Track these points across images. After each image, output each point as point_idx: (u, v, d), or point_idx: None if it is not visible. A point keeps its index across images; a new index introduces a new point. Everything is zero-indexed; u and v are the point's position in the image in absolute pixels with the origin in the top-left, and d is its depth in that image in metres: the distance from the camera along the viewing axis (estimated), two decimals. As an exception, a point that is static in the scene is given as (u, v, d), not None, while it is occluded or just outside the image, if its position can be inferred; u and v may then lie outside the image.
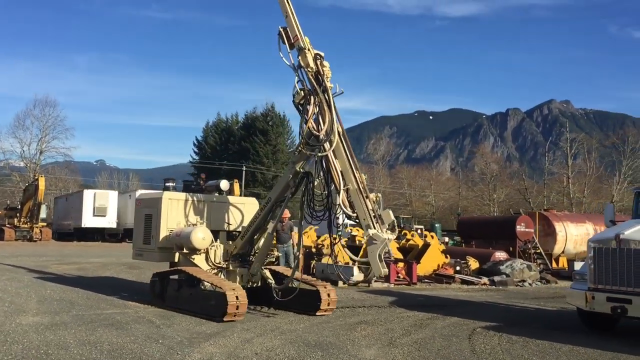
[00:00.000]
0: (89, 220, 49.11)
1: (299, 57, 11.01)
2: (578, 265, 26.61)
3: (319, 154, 10.71)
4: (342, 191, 10.56)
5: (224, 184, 14.02)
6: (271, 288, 11.86)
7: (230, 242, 12.98)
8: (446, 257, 23.64)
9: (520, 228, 26.44)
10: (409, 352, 8.78)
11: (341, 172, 10.74)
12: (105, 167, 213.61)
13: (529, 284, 22.38)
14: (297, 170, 11.30)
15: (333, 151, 10.68)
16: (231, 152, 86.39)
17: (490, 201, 72.98)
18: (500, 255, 24.79)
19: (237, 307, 10.44)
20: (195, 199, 13.40)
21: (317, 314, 11.72)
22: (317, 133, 10.67)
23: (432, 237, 27.08)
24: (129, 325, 10.07)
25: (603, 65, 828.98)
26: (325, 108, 10.79)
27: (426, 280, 21.40)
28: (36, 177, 49.26)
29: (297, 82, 11.06)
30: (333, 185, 10.81)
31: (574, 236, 28.24)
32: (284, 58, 11.26)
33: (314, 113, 10.84)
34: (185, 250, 12.39)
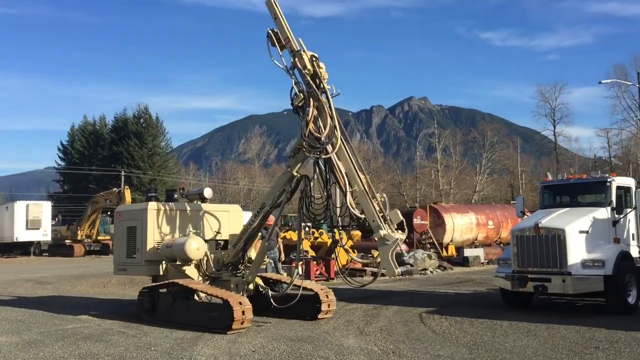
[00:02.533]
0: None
1: (295, 60, 10.73)
2: (467, 252, 29.56)
3: (323, 157, 10.53)
4: (348, 193, 10.45)
5: (208, 192, 13.61)
6: (264, 296, 11.62)
7: (222, 252, 12.74)
8: (354, 252, 25.16)
9: (417, 221, 28.62)
10: (383, 338, 9.90)
11: (346, 173, 10.58)
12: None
13: (431, 271, 24.54)
14: (294, 174, 11.17)
15: (336, 153, 10.57)
16: (101, 156, 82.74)
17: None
18: (401, 246, 26.82)
19: (243, 314, 10.31)
20: (181, 208, 13.08)
21: (319, 317, 11.57)
22: (319, 135, 10.51)
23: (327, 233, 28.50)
24: (106, 337, 10.24)
25: (454, 64, 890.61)
26: (326, 110, 10.65)
27: (340, 276, 22.70)
28: None
29: (295, 85, 10.81)
30: (337, 187, 10.72)
31: (460, 226, 31.03)
32: (275, 61, 11.04)
33: (314, 116, 10.63)
34: (178, 262, 12.15)
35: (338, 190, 10.89)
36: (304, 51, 10.73)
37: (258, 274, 12.21)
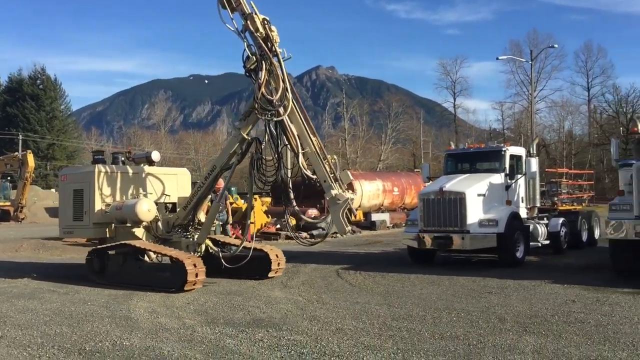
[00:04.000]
0: None
1: (247, 22, 10.65)
2: (374, 217, 31.24)
3: (275, 119, 10.65)
4: (300, 154, 10.65)
5: (156, 155, 13.66)
6: (214, 257, 11.85)
7: (171, 214, 12.84)
8: (268, 217, 26.06)
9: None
10: (305, 290, 10.88)
11: (298, 135, 10.74)
12: None
13: (341, 235, 25.83)
14: (245, 136, 11.30)
15: (288, 116, 10.68)
16: (-7, 119, 77.89)
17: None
18: (313, 212, 28.00)
19: (196, 276, 10.58)
20: (129, 171, 13.08)
21: (269, 275, 12.08)
22: (271, 98, 10.55)
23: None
24: (39, 295, 10.55)
25: (361, 34, 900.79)
26: (278, 73, 10.67)
27: (256, 239, 23.57)
28: None
29: (249, 47, 10.73)
30: (289, 149, 10.93)
31: (368, 192, 32.57)
32: (226, 24, 10.83)
33: (266, 79, 10.63)
34: (128, 224, 12.24)
35: (289, 152, 11.09)
36: (256, 14, 10.70)
37: (207, 236, 12.40)
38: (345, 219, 10.54)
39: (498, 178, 14.36)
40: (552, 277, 11.82)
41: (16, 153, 43.77)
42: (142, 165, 13.59)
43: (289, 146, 10.90)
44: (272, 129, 10.90)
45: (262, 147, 11.13)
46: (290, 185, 11.46)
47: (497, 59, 54.15)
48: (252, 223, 22.94)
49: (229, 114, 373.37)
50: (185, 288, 10.52)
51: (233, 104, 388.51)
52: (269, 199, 36.27)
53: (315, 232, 25.32)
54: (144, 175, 13.25)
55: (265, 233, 24.33)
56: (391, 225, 30.75)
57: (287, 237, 24.13)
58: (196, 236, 12.19)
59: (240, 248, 11.76)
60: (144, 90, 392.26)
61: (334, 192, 10.48)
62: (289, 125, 10.73)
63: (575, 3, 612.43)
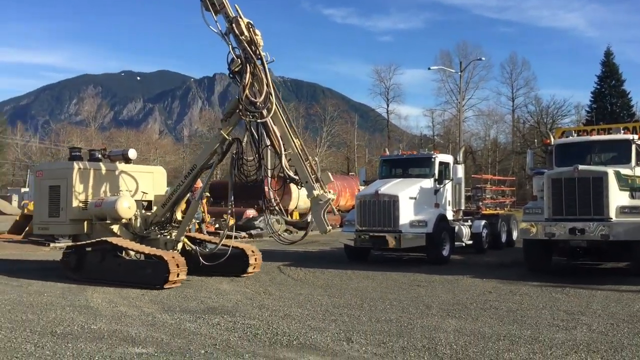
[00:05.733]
0: None
1: (232, 25, 10.88)
2: (309, 217, 32.24)
3: (259, 121, 10.94)
4: (283, 155, 10.92)
5: (132, 153, 13.77)
6: (191, 254, 12.01)
7: (149, 211, 13.01)
8: (208, 216, 26.62)
9: (267, 188, 30.54)
10: (251, 283, 11.72)
11: (281, 137, 10.99)
12: None
13: (280, 234, 26.74)
14: (226, 137, 11.51)
15: (272, 117, 10.95)
16: None
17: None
18: (251, 212, 28.80)
19: (178, 274, 10.80)
20: (106, 168, 13.17)
21: (248, 272, 12.39)
22: (255, 100, 10.84)
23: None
24: (-8, 288, 10.86)
25: (297, 37, 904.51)
26: (262, 76, 10.93)
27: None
28: None
29: (233, 50, 11.00)
30: (273, 150, 11.18)
31: (304, 194, 33.60)
32: (210, 26, 11.10)
33: (250, 81, 10.90)
34: (107, 220, 12.34)
35: (270, 152, 11.37)
36: (240, 18, 10.91)
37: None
38: (326, 219, 10.82)
39: (428, 183, 15.66)
40: (473, 272, 13.17)
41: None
42: (117, 162, 13.66)
43: (271, 147, 11.17)
44: (253, 130, 11.21)
45: (243, 147, 11.39)
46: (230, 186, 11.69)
47: (429, 69, 56.60)
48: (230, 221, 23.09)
49: (161, 112, 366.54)
50: (167, 285, 10.72)
51: (166, 102, 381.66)
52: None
53: (254, 232, 26.16)
54: (120, 172, 13.38)
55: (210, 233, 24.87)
56: (331, 225, 31.84)
57: (228, 237, 24.75)
58: (174, 234, 12.41)
59: (219, 245, 11.98)
60: (72, 84, 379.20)
61: (316, 192, 10.72)
62: (272, 127, 11.00)
63: (503, 16, 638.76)
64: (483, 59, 64.48)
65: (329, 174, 11.78)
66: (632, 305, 9.22)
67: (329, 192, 10.96)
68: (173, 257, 10.98)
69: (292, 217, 33.60)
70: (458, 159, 16.99)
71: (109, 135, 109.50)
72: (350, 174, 46.41)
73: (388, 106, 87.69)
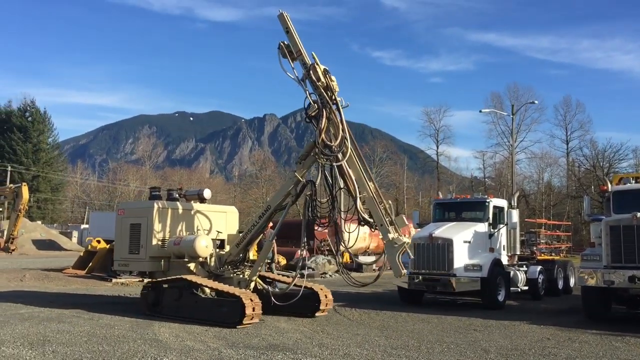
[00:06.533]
0: None
1: (310, 72, 11.31)
2: (361, 259, 32.47)
3: (335, 164, 11.26)
4: (358, 198, 11.18)
5: (207, 193, 14.22)
6: (263, 294, 12.11)
7: (223, 250, 13.33)
8: (281, 258, 27.21)
9: (317, 229, 30.97)
10: (309, 323, 12.00)
11: (356, 180, 11.31)
12: None
13: (330, 275, 27.03)
14: (300, 179, 11.83)
15: (347, 161, 11.30)
16: (-22, 149, 78.26)
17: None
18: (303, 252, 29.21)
19: (254, 310, 10.99)
20: (183, 208, 13.62)
21: (317, 314, 12.54)
22: (331, 144, 11.27)
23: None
24: (66, 320, 11.54)
25: (346, 78, 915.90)
26: (338, 121, 11.34)
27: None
28: None
29: (310, 95, 11.50)
30: (348, 193, 11.48)
31: (356, 234, 33.79)
32: (287, 72, 11.60)
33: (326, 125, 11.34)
34: (185, 259, 12.68)
35: (343, 195, 11.71)
36: (317, 65, 11.29)
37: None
38: (401, 262, 10.99)
39: (482, 227, 15.74)
40: (530, 318, 13.11)
41: (11, 185, 44.46)
42: (192, 202, 14.16)
43: (346, 190, 11.47)
44: (327, 173, 11.54)
45: (316, 189, 11.70)
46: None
47: (481, 111, 56.57)
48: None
49: (212, 152, 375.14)
50: (244, 322, 10.90)
51: (217, 142, 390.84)
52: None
53: (304, 272, 26.46)
54: (196, 212, 13.82)
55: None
56: (377, 267, 31.91)
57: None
58: (247, 273, 12.73)
59: (291, 286, 12.19)
60: (128, 125, 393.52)
61: (391, 235, 10.93)
62: (347, 170, 11.36)
63: (555, 58, 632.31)
64: (536, 102, 63.80)
65: (404, 217, 11.99)
66: (696, 357, 9.08)
67: (404, 236, 11.13)
68: (250, 298, 11.16)
69: (342, 257, 33.81)
70: (512, 203, 17.02)
71: (163, 174, 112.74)
72: (399, 214, 46.37)
73: (438, 148, 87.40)
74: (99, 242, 25.23)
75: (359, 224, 11.82)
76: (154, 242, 13.06)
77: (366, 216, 11.31)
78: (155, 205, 13.22)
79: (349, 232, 12.40)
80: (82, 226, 56.04)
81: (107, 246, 23.73)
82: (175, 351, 8.77)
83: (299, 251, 29.05)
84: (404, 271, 11.13)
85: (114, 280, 20.45)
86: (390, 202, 11.67)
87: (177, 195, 14.21)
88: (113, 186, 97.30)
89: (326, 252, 32.16)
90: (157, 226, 13.12)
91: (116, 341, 9.45)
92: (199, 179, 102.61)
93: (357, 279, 12.58)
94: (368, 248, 34.71)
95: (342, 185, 11.52)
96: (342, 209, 12.04)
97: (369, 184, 11.34)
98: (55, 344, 9.10)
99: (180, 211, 13.62)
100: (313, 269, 26.85)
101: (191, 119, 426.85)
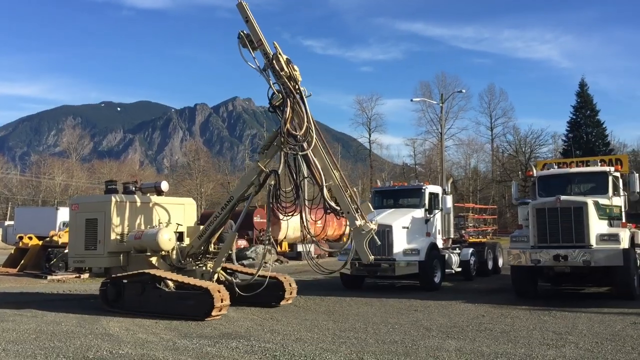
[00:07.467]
0: None
1: (273, 62, 11.40)
2: (299, 247, 32.90)
3: (300, 153, 11.32)
4: (324, 187, 11.28)
5: (164, 185, 14.08)
6: (226, 285, 11.99)
7: (180, 243, 13.04)
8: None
9: (257, 219, 31.25)
10: (257, 311, 12.27)
11: (322, 169, 11.36)
12: None
13: (270, 264, 27.31)
14: (263, 169, 11.79)
15: (312, 150, 11.36)
16: None
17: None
18: (242, 242, 29.35)
19: (222, 302, 10.87)
20: (141, 201, 13.37)
21: (282, 303, 12.57)
22: (296, 133, 11.29)
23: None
24: (8, 319, 11.32)
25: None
26: (302, 110, 11.42)
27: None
28: None
29: (273, 85, 11.57)
30: (314, 182, 11.57)
31: (293, 224, 34.05)
32: (248, 62, 11.63)
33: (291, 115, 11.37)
34: (147, 252, 12.47)
35: (307, 184, 11.66)
36: (280, 55, 11.38)
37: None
38: (368, 249, 11.15)
39: (419, 213, 16.46)
40: (464, 298, 13.92)
41: None
42: (149, 195, 13.91)
43: (312, 178, 11.59)
44: (290, 162, 11.63)
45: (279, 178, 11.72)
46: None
47: (412, 100, 57.96)
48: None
49: (141, 142, 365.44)
50: (212, 315, 10.78)
51: (146, 133, 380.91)
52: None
53: (246, 262, 26.68)
54: (154, 204, 13.61)
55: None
56: (316, 255, 32.39)
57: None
58: (209, 265, 12.66)
59: (256, 276, 12.26)
60: (50, 116, 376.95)
61: (358, 222, 11.04)
62: (312, 159, 11.47)
63: (479, 47, 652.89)
64: (464, 91, 66.00)
65: (369, 204, 12.15)
66: (613, 326, 10.02)
67: (371, 222, 11.31)
68: (217, 289, 11.03)
69: (281, 247, 34.16)
70: (446, 190, 17.85)
71: (91, 166, 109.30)
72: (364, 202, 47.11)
73: (370, 136, 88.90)
74: (30, 238, 24.54)
75: (325, 212, 11.88)
76: (113, 236, 12.81)
77: (333, 204, 11.39)
78: (113, 199, 12.98)
79: (287, 220, 12.53)
80: (6, 222, 53.59)
81: (40, 243, 23.16)
82: (129, 344, 8.87)
83: (238, 241, 29.23)
84: (371, 257, 11.34)
85: (49, 277, 19.99)
86: (355, 189, 11.77)
87: (133, 188, 13.98)
88: (37, 180, 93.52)
89: (265, 242, 32.44)
90: (115, 220, 12.87)
91: (66, 337, 9.43)
92: (129, 170, 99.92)
93: (294, 266, 12.84)
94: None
95: (306, 174, 11.69)
96: (306, 198, 12.01)
97: (335, 172, 11.45)
98: (3, 343, 9.00)
99: (139, 204, 13.39)
100: (253, 259, 27.06)
101: (118, 109, 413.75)
